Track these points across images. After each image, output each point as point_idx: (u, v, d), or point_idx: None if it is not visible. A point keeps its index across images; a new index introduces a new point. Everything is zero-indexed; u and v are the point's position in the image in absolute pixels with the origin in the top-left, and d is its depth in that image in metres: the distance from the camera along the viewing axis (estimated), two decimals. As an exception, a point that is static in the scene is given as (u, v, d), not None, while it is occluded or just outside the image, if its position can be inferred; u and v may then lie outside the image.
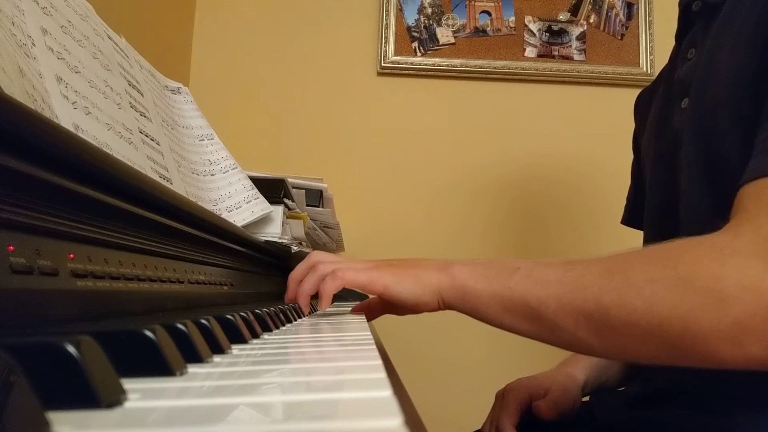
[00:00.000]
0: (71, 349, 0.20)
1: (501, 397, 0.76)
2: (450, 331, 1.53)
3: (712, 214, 0.57)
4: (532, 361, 1.63)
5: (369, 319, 0.74)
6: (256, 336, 0.42)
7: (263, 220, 0.87)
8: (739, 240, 0.43)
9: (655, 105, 0.75)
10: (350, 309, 0.76)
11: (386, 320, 0.80)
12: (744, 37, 0.55)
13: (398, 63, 1.60)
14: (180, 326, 0.29)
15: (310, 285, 0.65)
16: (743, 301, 0.40)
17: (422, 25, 1.62)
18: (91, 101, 0.53)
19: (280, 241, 0.89)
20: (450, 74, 1.61)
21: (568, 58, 1.62)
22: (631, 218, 0.86)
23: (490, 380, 1.58)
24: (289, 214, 0.96)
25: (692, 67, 0.63)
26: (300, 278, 0.67)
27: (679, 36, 0.70)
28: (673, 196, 0.64)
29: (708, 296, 0.41)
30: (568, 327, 0.48)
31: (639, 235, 0.78)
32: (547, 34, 1.63)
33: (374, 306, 0.72)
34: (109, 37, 0.66)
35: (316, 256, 0.69)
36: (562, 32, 1.63)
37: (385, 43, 1.60)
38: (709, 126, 0.58)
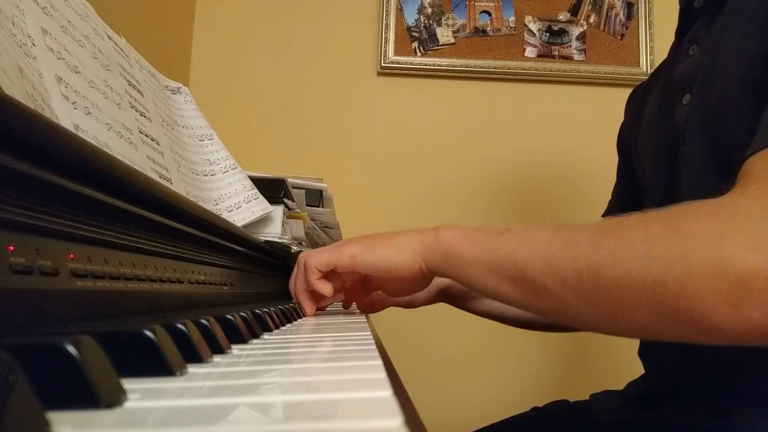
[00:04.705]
0: (71, 349, 0.20)
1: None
2: (450, 331, 1.53)
3: None
4: (532, 361, 1.63)
5: (368, 311, 0.73)
6: (256, 336, 0.42)
7: (263, 220, 0.87)
8: (743, 200, 0.40)
9: (652, 102, 0.74)
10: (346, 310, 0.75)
11: (386, 320, 0.79)
12: (753, 28, 0.53)
13: (398, 63, 1.60)
14: (180, 326, 0.29)
15: (298, 283, 0.67)
16: (745, 261, 0.37)
17: (422, 25, 1.62)
18: (91, 101, 0.53)
19: (280, 241, 0.89)
20: (450, 74, 1.61)
21: (568, 58, 1.62)
22: (613, 213, 0.86)
23: (490, 380, 1.58)
24: (289, 214, 0.96)
25: (695, 63, 0.62)
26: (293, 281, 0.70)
27: (680, 33, 0.69)
28: (674, 193, 0.63)
29: (708, 254, 0.38)
30: (555, 289, 0.45)
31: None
32: (547, 34, 1.63)
33: (354, 290, 0.69)
34: (109, 37, 0.66)
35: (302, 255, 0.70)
36: (562, 32, 1.63)
37: (385, 43, 1.60)
38: (715, 120, 0.56)
